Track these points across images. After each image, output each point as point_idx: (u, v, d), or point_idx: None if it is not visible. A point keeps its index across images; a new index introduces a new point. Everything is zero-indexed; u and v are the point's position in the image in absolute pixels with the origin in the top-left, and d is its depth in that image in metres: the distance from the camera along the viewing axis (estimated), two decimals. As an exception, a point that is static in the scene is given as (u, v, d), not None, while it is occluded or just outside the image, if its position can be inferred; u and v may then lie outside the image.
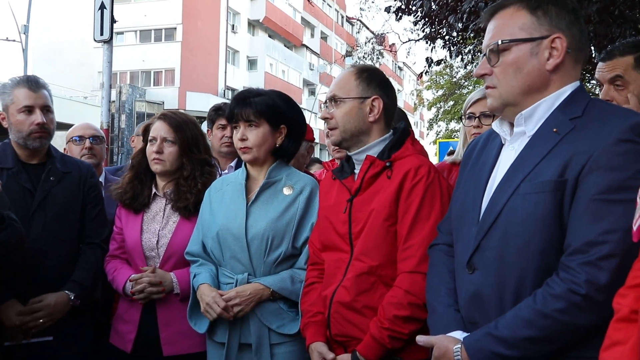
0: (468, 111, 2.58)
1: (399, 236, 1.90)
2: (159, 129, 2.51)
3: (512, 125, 1.56)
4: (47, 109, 2.52)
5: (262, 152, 2.30)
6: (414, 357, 1.79)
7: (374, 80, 2.05)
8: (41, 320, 2.32)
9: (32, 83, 2.50)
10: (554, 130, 1.43)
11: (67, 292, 2.41)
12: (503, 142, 1.60)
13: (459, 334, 1.51)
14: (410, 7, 7.88)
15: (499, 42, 1.51)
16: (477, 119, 2.52)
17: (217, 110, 3.40)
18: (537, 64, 1.48)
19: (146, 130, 2.59)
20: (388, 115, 2.07)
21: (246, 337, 2.22)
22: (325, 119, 2.07)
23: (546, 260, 1.38)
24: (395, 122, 2.16)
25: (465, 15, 6.51)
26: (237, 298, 2.17)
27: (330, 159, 3.68)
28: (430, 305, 1.69)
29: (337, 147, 3.18)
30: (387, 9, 8.24)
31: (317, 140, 37.32)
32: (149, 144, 2.53)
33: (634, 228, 1.11)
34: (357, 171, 2.06)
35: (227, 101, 3.11)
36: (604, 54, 2.48)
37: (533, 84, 1.50)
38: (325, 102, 2.09)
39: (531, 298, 1.37)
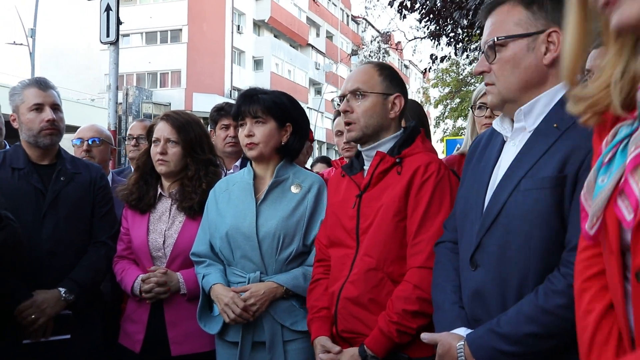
0: (479, 101, 2.56)
1: (408, 232, 1.90)
2: (162, 130, 2.52)
3: (513, 121, 1.56)
4: (56, 107, 2.57)
5: (268, 148, 2.30)
6: (420, 354, 1.79)
7: (395, 78, 2.07)
8: (33, 316, 2.33)
9: (42, 83, 2.58)
10: (554, 125, 1.43)
11: (59, 289, 2.43)
12: (505, 139, 1.60)
13: (463, 331, 1.51)
14: (414, 3, 7.88)
15: (495, 39, 1.51)
16: (488, 109, 2.49)
17: (219, 111, 3.36)
18: (534, 59, 1.48)
19: (150, 131, 2.60)
20: (402, 113, 2.08)
21: (259, 336, 2.22)
22: (345, 111, 2.05)
23: (548, 256, 1.38)
24: (414, 116, 2.14)
25: (471, 12, 6.50)
26: (252, 298, 2.17)
27: (339, 157, 3.67)
28: (436, 303, 1.69)
29: (348, 146, 3.21)
30: (391, 3, 8.23)
31: (324, 140, 37.37)
32: (153, 145, 2.54)
33: (591, 232, 0.94)
34: (366, 167, 2.06)
35: (232, 101, 3.10)
36: (599, 41, 2.48)
37: (531, 80, 1.49)
38: (345, 95, 2.06)
39: (533, 294, 1.37)
